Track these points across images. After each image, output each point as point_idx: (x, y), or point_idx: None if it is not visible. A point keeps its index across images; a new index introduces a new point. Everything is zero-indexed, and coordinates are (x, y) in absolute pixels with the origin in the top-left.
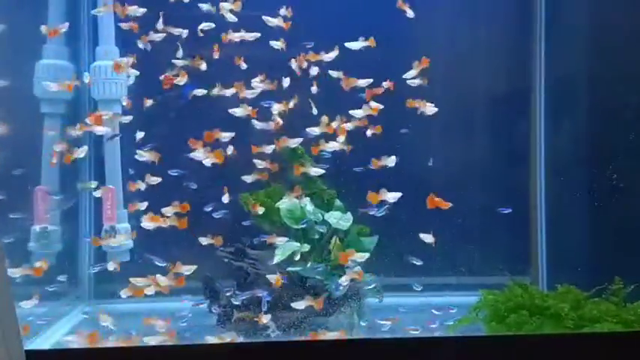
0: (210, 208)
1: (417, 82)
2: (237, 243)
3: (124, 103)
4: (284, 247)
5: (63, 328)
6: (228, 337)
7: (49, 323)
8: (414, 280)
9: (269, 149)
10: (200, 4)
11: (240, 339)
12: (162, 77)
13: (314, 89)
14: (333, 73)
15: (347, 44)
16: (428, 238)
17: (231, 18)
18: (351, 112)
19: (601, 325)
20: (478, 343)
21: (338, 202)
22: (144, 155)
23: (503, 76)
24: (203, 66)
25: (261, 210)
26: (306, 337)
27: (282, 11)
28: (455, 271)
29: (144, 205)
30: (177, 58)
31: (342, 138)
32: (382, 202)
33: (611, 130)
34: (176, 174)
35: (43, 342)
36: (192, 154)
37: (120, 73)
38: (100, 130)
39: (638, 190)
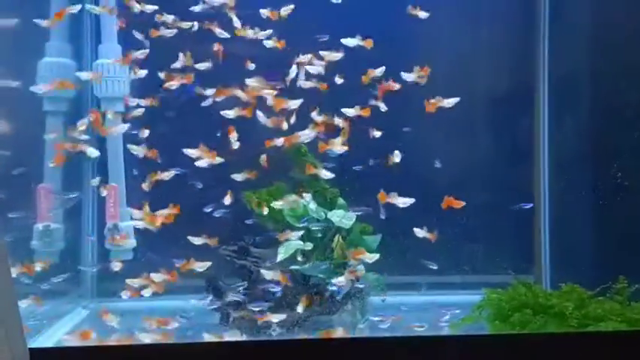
0: (209, 209)
1: (423, 80)
2: (241, 241)
3: (142, 102)
4: (287, 245)
5: (65, 327)
6: (231, 336)
7: (51, 322)
8: (417, 279)
9: (279, 142)
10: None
11: (243, 337)
12: (163, 75)
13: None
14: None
15: (343, 40)
16: (421, 232)
17: (236, 22)
18: (343, 110)
19: (605, 324)
20: (481, 342)
21: (341, 201)
22: (135, 150)
23: (506, 75)
24: (205, 65)
25: (265, 210)
26: (308, 335)
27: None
28: (458, 270)
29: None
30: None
31: (343, 139)
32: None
33: (615, 129)
34: (178, 172)
35: (46, 340)
36: (198, 163)
37: (127, 65)
38: (117, 129)
39: None
